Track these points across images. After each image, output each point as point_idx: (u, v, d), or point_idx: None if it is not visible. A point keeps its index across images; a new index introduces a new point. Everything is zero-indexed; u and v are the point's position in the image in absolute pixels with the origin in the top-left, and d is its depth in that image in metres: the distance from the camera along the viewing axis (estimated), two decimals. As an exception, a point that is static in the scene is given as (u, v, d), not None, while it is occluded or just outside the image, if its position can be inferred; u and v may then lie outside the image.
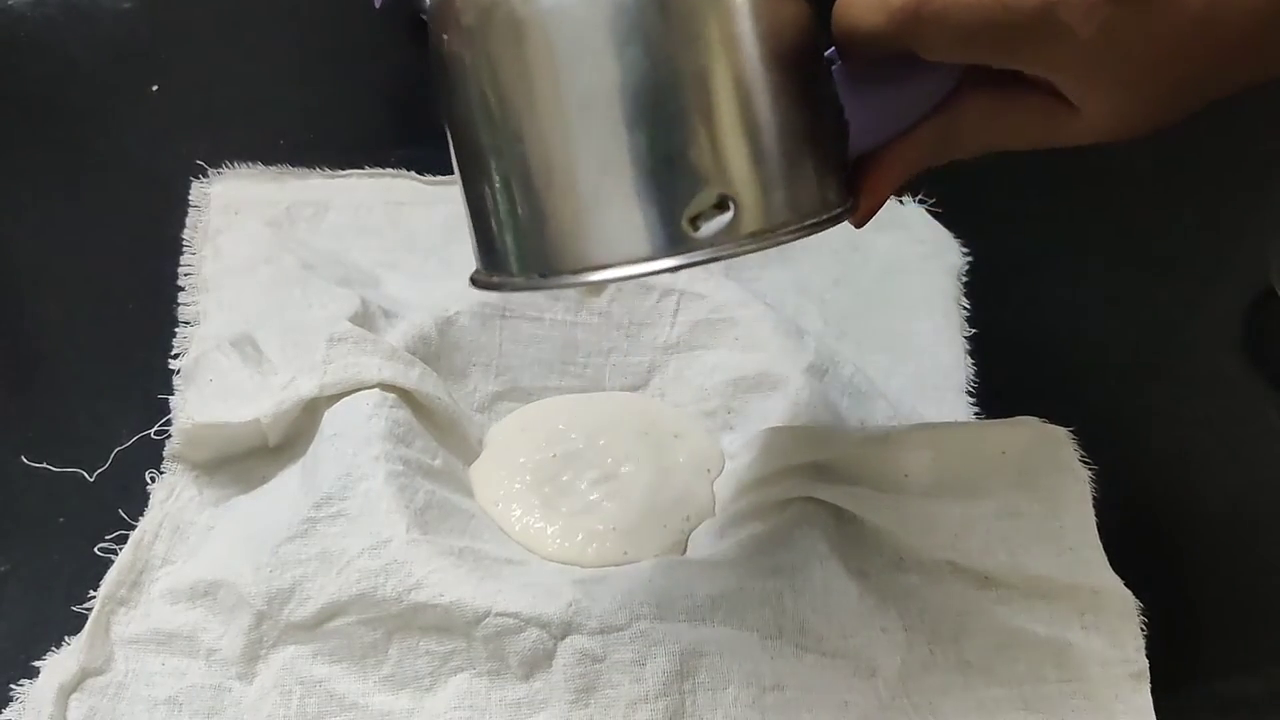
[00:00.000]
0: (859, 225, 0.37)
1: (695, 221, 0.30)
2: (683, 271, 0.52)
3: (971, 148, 0.37)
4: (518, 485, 0.48)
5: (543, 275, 0.32)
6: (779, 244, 0.32)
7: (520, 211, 0.32)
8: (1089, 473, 0.45)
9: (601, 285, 0.31)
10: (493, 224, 0.33)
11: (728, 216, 0.30)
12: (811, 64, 0.33)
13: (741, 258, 0.32)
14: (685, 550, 0.46)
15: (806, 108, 0.32)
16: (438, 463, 0.47)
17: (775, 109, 0.31)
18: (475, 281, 0.34)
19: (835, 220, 0.34)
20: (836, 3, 0.33)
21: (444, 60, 0.32)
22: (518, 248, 0.32)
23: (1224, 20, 0.31)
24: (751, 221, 0.31)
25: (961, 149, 0.37)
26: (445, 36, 0.31)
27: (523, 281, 0.32)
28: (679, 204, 0.30)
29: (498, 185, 0.32)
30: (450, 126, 0.33)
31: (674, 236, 0.30)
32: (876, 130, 0.35)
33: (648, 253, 0.30)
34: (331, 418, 0.46)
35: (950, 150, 0.37)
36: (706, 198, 0.30)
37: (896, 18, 0.31)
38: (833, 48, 0.34)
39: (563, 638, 0.41)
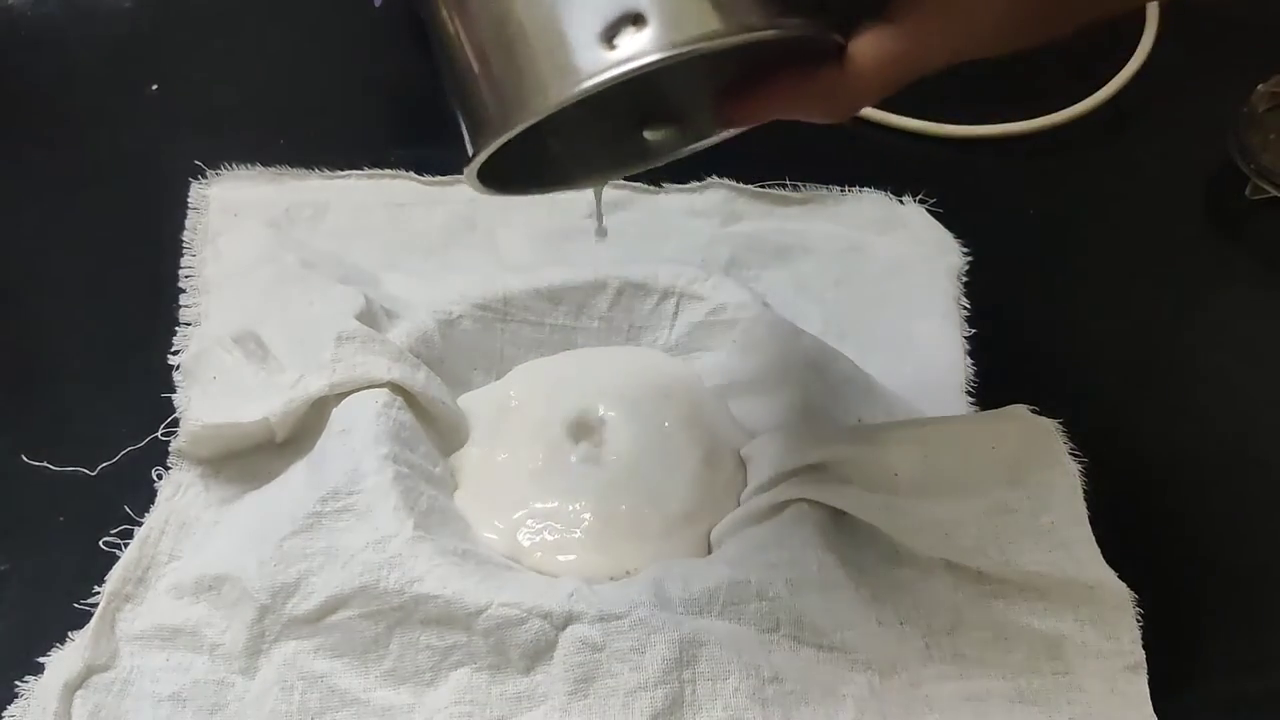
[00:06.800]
0: (847, 105, 0.34)
1: (612, 41, 0.30)
2: (682, 274, 0.52)
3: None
4: (503, 493, 0.47)
5: (506, 121, 0.32)
6: (704, 50, 0.31)
7: (473, 73, 0.33)
8: (1079, 466, 0.45)
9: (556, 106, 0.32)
10: (462, 98, 0.34)
11: (645, 31, 0.30)
12: None
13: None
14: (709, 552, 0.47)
15: None
16: (439, 470, 0.47)
17: None
18: (467, 173, 0.35)
19: (778, 28, 0.32)
20: None
21: None
22: (482, 109, 0.33)
23: None
24: (671, 33, 0.30)
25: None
26: None
27: (494, 137, 0.33)
28: (593, 26, 0.30)
29: (456, 54, 0.33)
30: (425, 16, 0.34)
31: (595, 58, 0.30)
32: None
33: (576, 77, 0.31)
34: (340, 414, 0.46)
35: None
36: (618, 16, 0.30)
37: None
38: None
39: (564, 628, 0.41)
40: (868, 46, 0.32)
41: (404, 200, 0.59)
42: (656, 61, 0.30)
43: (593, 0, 0.30)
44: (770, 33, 0.31)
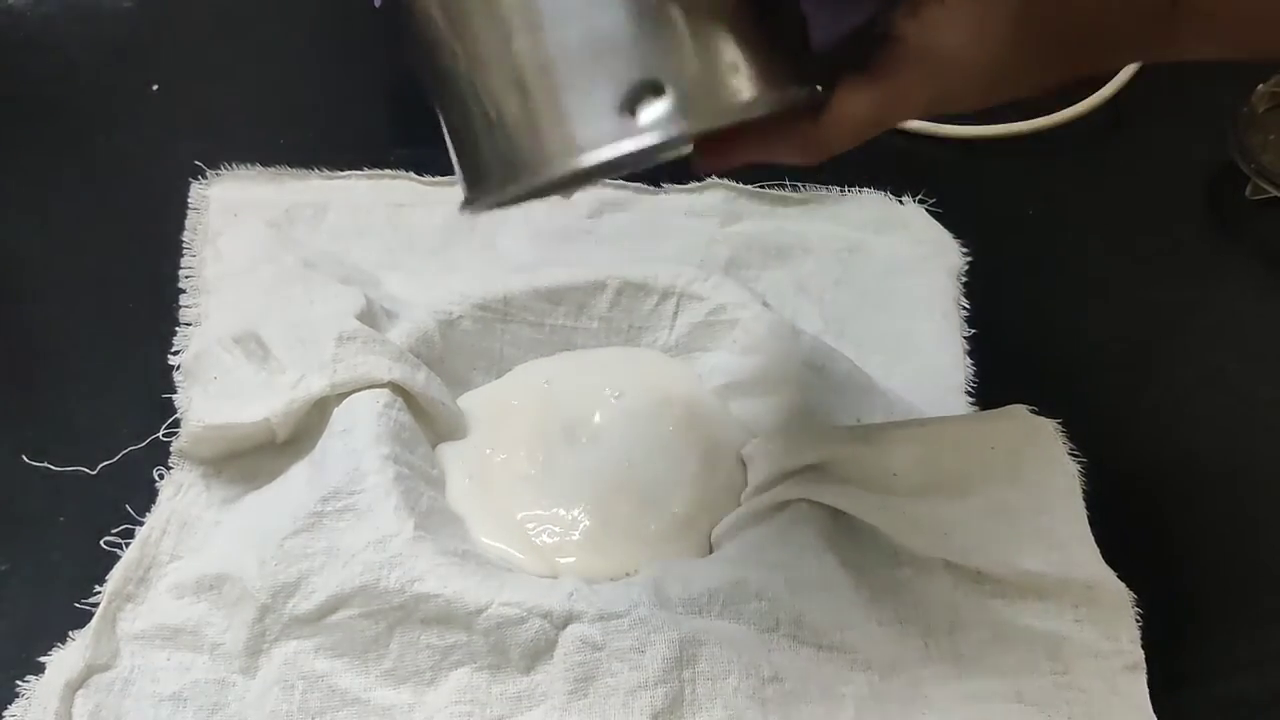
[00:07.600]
0: (822, 151, 0.35)
1: (634, 109, 0.30)
2: (682, 274, 0.52)
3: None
4: (503, 495, 0.47)
5: (514, 181, 0.32)
6: (721, 125, 0.31)
7: (481, 123, 0.32)
8: (1079, 466, 0.45)
9: (570, 186, 0.31)
10: (464, 143, 0.33)
11: (665, 102, 0.30)
12: None
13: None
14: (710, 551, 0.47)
15: None
16: (436, 471, 0.47)
17: None
18: (463, 205, 0.34)
19: (787, 102, 0.32)
20: None
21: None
22: (488, 161, 0.32)
23: None
24: (691, 105, 0.30)
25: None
26: None
27: (497, 195, 0.32)
28: (614, 93, 0.30)
29: (463, 101, 0.32)
30: (417, 58, 0.33)
31: (615, 127, 0.30)
32: (830, 23, 0.34)
33: (594, 145, 0.30)
34: (341, 414, 0.46)
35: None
36: (639, 84, 0.30)
37: None
38: None
39: (564, 627, 0.41)
40: (848, 102, 0.33)
41: (404, 200, 0.59)
42: (677, 137, 0.30)
43: (612, 66, 0.30)
44: (779, 106, 0.32)
